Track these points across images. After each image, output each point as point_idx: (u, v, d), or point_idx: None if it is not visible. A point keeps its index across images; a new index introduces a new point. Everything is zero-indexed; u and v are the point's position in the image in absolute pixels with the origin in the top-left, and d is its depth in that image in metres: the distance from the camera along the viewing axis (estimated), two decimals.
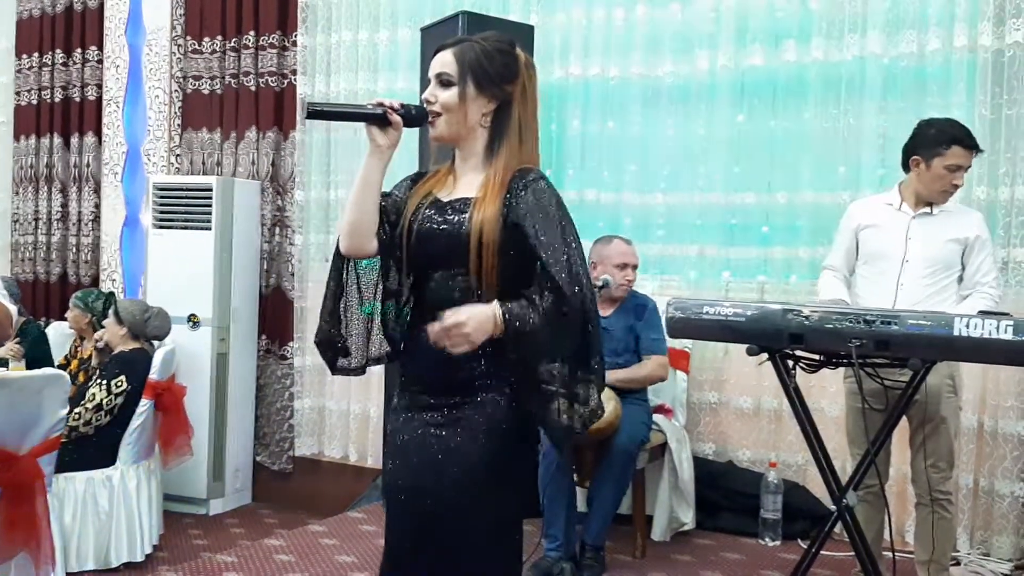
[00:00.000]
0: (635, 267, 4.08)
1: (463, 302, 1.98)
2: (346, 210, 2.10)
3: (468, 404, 2.04)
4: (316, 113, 2.03)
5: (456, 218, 2.04)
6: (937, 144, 3.29)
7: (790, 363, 3.01)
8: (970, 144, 3.29)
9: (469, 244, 1.99)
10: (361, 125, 2.09)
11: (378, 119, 2.03)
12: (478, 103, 2.07)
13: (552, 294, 1.94)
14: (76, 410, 4.07)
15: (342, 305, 2.15)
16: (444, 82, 2.06)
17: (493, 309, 1.94)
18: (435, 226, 2.06)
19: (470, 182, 2.10)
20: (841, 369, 3.26)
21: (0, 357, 4.78)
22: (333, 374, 2.22)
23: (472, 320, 1.91)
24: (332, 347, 2.16)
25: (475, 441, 2.03)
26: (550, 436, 2.13)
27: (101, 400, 4.20)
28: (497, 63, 2.07)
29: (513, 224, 2.00)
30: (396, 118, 2.04)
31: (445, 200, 2.09)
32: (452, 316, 1.91)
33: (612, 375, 3.87)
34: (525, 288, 1.99)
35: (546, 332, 1.95)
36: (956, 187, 3.35)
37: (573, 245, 2.00)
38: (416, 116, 2.07)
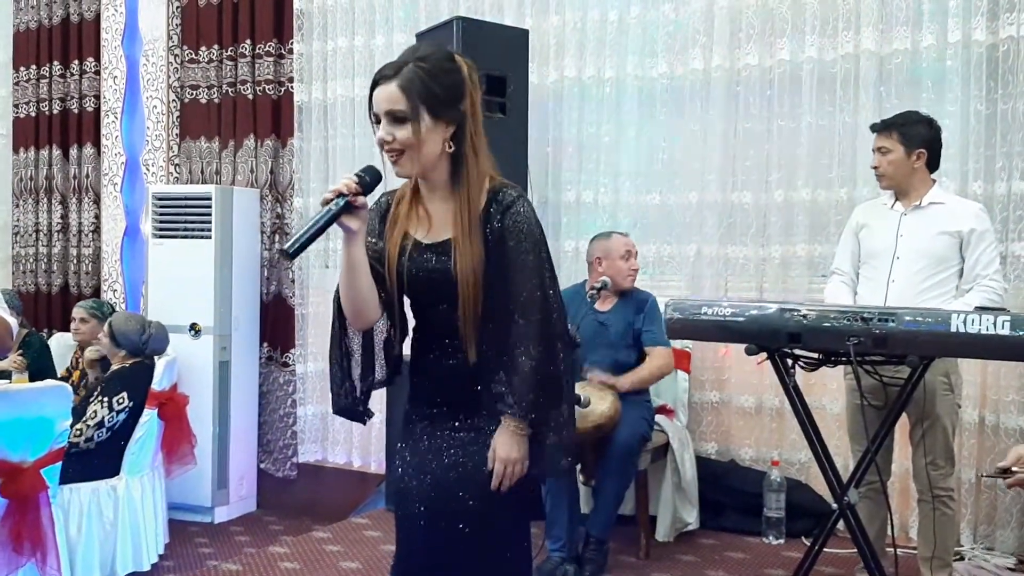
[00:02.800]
0: (636, 255, 4.10)
1: (464, 327, 2.00)
2: (343, 295, 2.01)
3: (478, 418, 2.06)
4: (295, 251, 1.89)
5: (440, 263, 2.01)
6: None
7: (789, 362, 3.02)
8: (873, 125, 3.50)
9: (458, 287, 1.98)
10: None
11: (345, 210, 1.90)
12: (437, 132, 1.96)
13: (536, 348, 1.96)
14: (77, 426, 4.06)
15: (349, 366, 2.09)
16: (396, 119, 1.94)
17: (508, 430, 2.00)
18: (422, 273, 2.03)
19: (443, 218, 2.04)
20: (842, 366, 3.27)
21: (3, 369, 4.80)
22: (364, 424, 2.21)
23: (506, 459, 2.00)
24: (354, 414, 2.13)
25: (482, 449, 2.04)
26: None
27: (103, 417, 4.20)
28: (445, 83, 1.96)
29: (495, 255, 1.98)
30: (361, 200, 1.92)
31: (425, 243, 2.05)
32: (497, 472, 2.00)
33: (623, 380, 3.88)
34: (507, 306, 1.99)
35: (542, 385, 1.98)
36: (874, 170, 3.48)
37: (548, 285, 2.00)
38: (373, 179, 1.95)
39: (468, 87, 2.00)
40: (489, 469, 2.02)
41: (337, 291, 2.04)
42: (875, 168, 3.46)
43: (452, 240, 2.00)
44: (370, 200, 1.96)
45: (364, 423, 2.18)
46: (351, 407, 2.11)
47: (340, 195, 1.89)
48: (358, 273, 1.97)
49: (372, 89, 1.98)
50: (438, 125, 1.96)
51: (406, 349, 2.16)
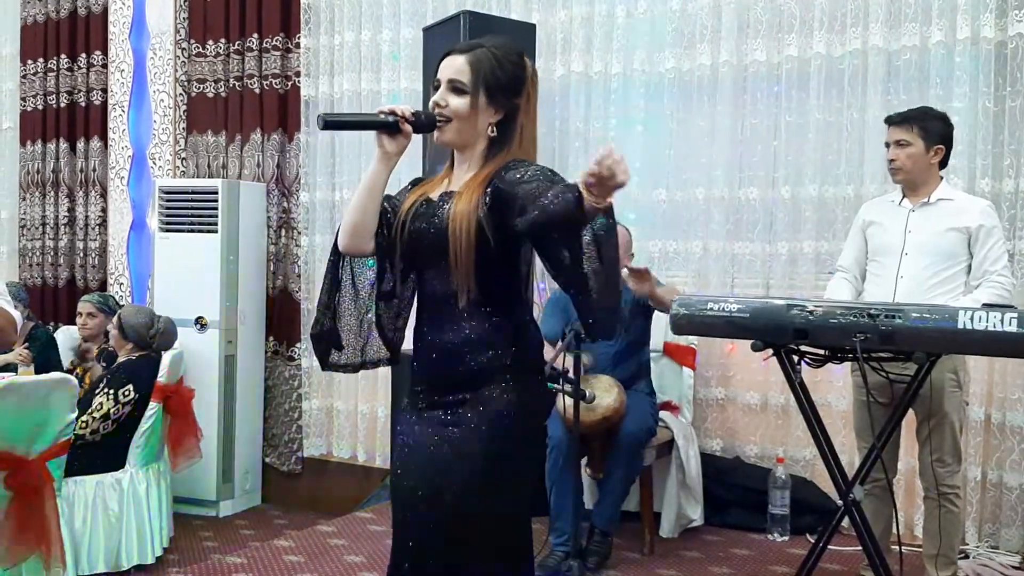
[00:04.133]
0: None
1: (459, 300, 2.02)
2: (349, 211, 2.12)
3: (471, 400, 2.05)
4: (331, 124, 2.04)
5: (438, 212, 2.06)
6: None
7: (795, 358, 3.01)
8: (889, 118, 3.45)
9: (448, 233, 2.01)
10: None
11: (389, 127, 2.04)
12: (487, 113, 2.07)
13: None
14: (83, 419, 4.07)
15: (336, 300, 2.18)
16: (456, 89, 2.06)
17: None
18: (423, 224, 2.08)
19: (461, 180, 2.11)
20: (849, 363, 3.26)
21: (9, 362, 4.82)
22: (324, 369, 2.23)
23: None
24: (326, 341, 2.19)
25: (479, 438, 2.03)
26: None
27: (108, 410, 4.21)
28: (508, 74, 2.08)
29: (497, 208, 1.98)
30: (407, 127, 2.04)
31: (435, 199, 2.11)
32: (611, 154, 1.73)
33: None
34: (508, 288, 2.04)
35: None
36: (890, 163, 3.43)
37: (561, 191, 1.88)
38: (426, 123, 2.07)
39: (527, 87, 2.12)
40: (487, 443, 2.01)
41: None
42: (892, 161, 3.40)
43: (455, 192, 2.06)
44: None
45: (325, 363, 2.20)
46: (324, 332, 2.17)
47: (393, 113, 2.03)
48: (372, 195, 2.09)
49: (442, 59, 2.11)
50: (490, 107, 2.07)
51: (406, 347, 2.18)
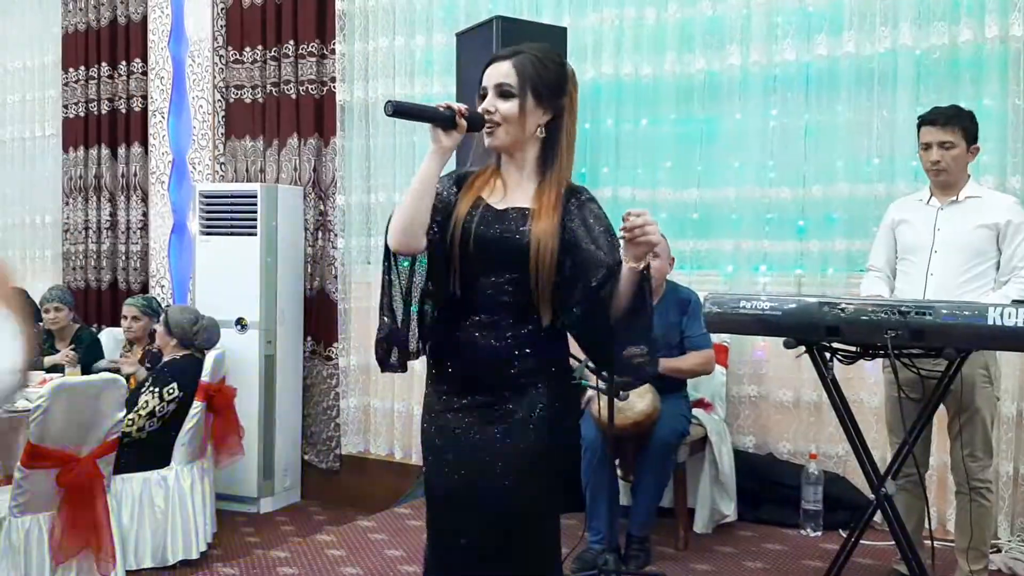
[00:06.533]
0: (655, 255, 4.07)
1: (512, 307, 2.10)
2: (403, 207, 2.10)
3: (510, 401, 2.11)
4: (399, 111, 2.08)
5: (514, 226, 2.10)
6: (918, 131, 3.47)
7: (827, 355, 3.05)
8: (931, 120, 3.41)
9: (528, 253, 2.07)
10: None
11: (446, 121, 2.09)
12: (535, 115, 2.13)
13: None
14: (129, 416, 4.19)
15: (392, 300, 2.17)
16: (504, 93, 2.12)
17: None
18: (494, 232, 2.11)
19: (524, 191, 2.16)
20: (881, 360, 3.30)
21: (56, 363, 4.95)
22: (383, 371, 2.24)
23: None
24: (390, 341, 2.17)
25: (517, 437, 2.10)
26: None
27: (154, 407, 4.33)
28: (552, 75, 2.14)
29: (569, 242, 2.08)
30: (463, 122, 2.09)
31: (500, 207, 2.15)
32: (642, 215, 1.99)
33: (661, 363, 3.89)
34: (570, 306, 2.10)
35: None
36: (934, 165, 3.40)
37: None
38: (476, 122, 2.12)
39: (569, 87, 2.18)
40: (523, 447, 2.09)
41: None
42: (936, 163, 3.38)
43: (531, 210, 2.11)
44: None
45: (385, 365, 2.21)
46: (391, 334, 2.16)
47: (450, 108, 2.08)
48: (426, 191, 2.09)
49: (486, 68, 2.17)
50: (538, 109, 2.14)
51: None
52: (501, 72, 2.13)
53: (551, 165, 2.15)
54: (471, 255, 2.13)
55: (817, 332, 2.93)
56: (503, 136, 2.13)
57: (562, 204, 2.12)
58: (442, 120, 2.08)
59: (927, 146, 3.42)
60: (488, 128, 2.13)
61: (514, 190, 2.17)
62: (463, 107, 2.09)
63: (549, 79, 2.13)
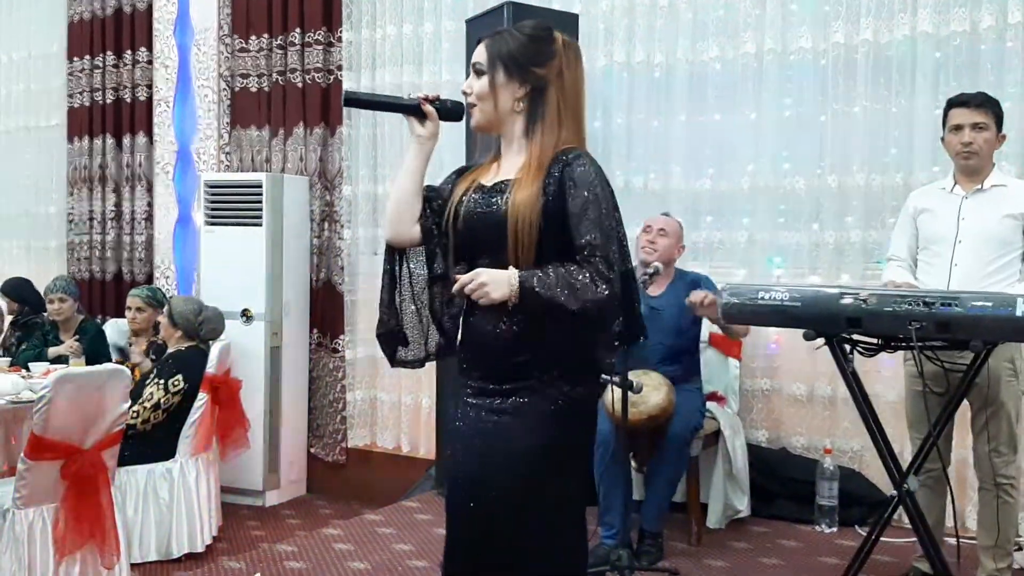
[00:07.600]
0: (661, 231, 4.02)
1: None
2: (390, 199, 2.17)
3: (522, 390, 2.06)
4: (351, 101, 2.10)
5: (498, 200, 2.07)
6: (945, 115, 3.38)
7: (847, 348, 2.98)
8: (963, 101, 3.33)
9: (508, 224, 2.02)
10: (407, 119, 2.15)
11: (411, 109, 2.09)
12: (509, 88, 2.10)
13: (591, 272, 1.97)
14: (134, 408, 4.14)
15: (396, 297, 2.19)
16: (477, 71, 2.12)
17: (510, 272, 1.99)
18: (478, 209, 2.09)
19: (512, 165, 2.13)
20: (899, 353, 3.23)
21: (60, 354, 4.90)
22: (393, 366, 2.25)
23: (485, 274, 1.98)
24: (392, 339, 2.20)
25: (528, 426, 2.05)
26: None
27: (159, 399, 4.28)
28: (528, 48, 2.10)
29: (553, 207, 2.02)
30: (429, 108, 2.10)
31: (488, 184, 2.13)
32: (471, 274, 1.99)
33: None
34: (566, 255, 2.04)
35: (568, 303, 1.96)
36: (966, 146, 3.30)
37: (612, 226, 2.03)
38: (452, 110, 2.12)
39: (558, 59, 2.11)
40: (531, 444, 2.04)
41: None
42: (968, 144, 3.29)
43: (512, 180, 2.08)
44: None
45: (394, 361, 2.22)
46: (390, 331, 2.19)
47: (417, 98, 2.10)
48: (409, 178, 2.14)
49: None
50: (511, 83, 2.10)
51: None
52: (477, 52, 2.14)
53: (534, 135, 2.10)
54: (463, 236, 2.12)
55: (838, 324, 2.86)
56: (478, 114, 2.13)
57: (545, 170, 2.05)
58: (405, 109, 2.08)
59: (958, 128, 3.32)
60: (469, 107, 2.13)
61: (505, 167, 2.15)
62: (431, 95, 2.11)
63: (516, 51, 2.09)
